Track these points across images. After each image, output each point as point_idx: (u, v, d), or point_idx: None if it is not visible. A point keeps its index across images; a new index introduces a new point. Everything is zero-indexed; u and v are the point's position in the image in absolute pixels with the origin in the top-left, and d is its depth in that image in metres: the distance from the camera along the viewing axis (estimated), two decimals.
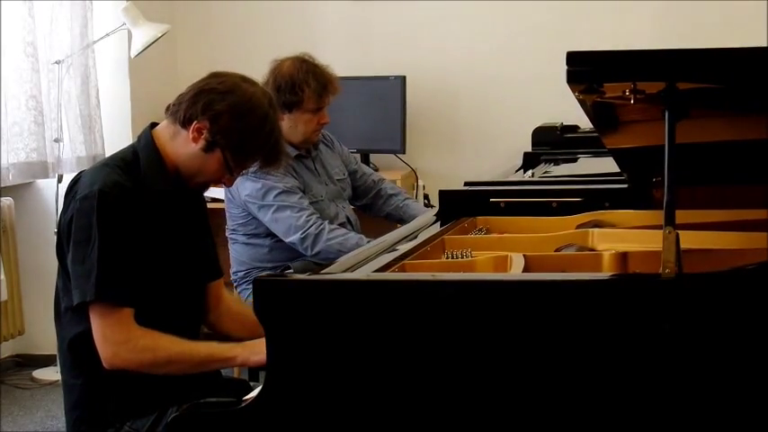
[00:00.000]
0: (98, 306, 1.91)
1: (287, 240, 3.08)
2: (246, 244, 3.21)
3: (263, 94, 2.04)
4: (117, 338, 1.90)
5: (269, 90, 3.03)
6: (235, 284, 3.31)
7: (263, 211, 3.10)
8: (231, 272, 3.30)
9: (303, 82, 3.07)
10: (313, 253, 3.04)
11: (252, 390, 2.00)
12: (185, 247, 2.09)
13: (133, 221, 1.94)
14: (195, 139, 2.00)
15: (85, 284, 1.90)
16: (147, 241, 1.97)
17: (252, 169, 2.11)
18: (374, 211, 3.43)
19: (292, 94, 3.06)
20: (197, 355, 1.95)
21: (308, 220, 3.05)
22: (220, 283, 2.24)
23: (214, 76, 2.04)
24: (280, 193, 3.07)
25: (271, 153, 2.04)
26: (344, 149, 3.45)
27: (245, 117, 1.98)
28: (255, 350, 1.91)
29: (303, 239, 3.05)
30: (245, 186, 3.11)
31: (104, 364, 1.92)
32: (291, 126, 3.11)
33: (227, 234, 3.30)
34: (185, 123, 2.00)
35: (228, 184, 2.09)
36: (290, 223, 3.07)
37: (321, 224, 3.06)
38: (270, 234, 3.15)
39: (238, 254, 3.25)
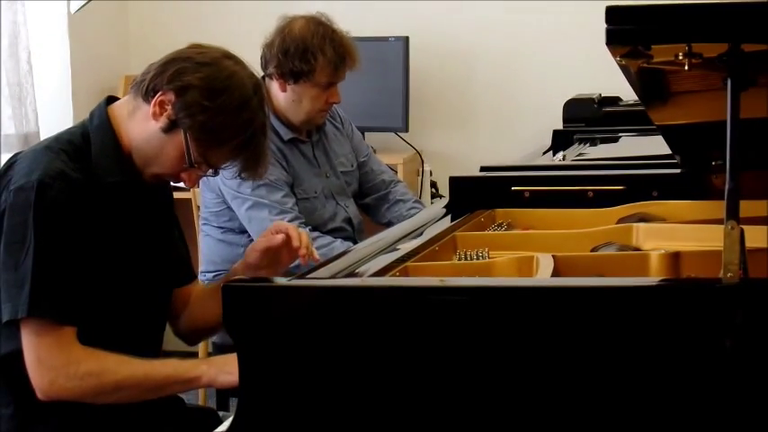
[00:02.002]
0: (32, 322, 1.90)
1: None
2: (219, 240, 3.20)
3: (250, 77, 2.01)
4: (54, 362, 1.90)
5: (274, 53, 3.05)
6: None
7: (237, 202, 3.09)
8: (199, 271, 3.30)
9: (318, 49, 3.04)
10: (291, 266, 3.03)
11: (222, 421, 2.00)
12: (148, 248, 2.09)
13: (80, 221, 1.94)
14: (156, 116, 1.97)
15: (17, 297, 1.89)
16: (98, 244, 1.97)
17: (225, 168, 2.05)
18: (375, 216, 3.41)
19: (303, 62, 3.04)
20: (152, 377, 1.95)
21: None
22: (192, 285, 2.25)
23: (194, 46, 2.02)
24: (259, 187, 3.05)
25: (245, 150, 1.99)
26: (357, 134, 3.44)
27: (219, 95, 1.94)
28: (225, 368, 1.90)
29: None
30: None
31: (38, 394, 1.92)
32: (294, 100, 3.10)
33: (200, 224, 3.30)
34: (148, 95, 1.98)
35: (189, 182, 2.04)
36: (265, 227, 3.03)
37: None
38: (245, 231, 3.14)
39: (209, 251, 3.24)
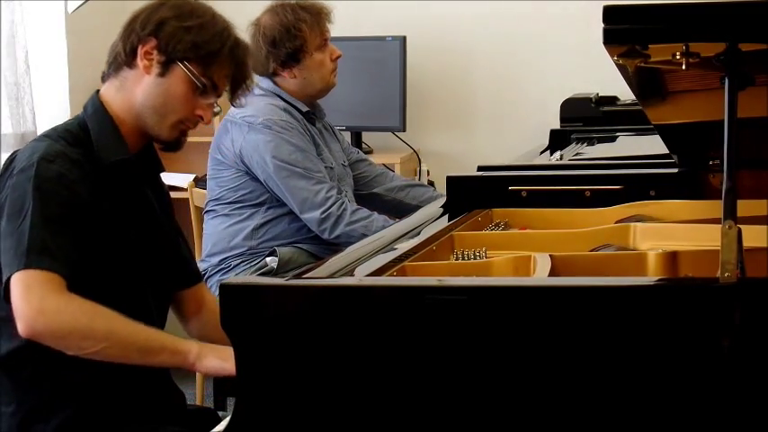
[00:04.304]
0: (23, 274, 1.86)
1: (302, 216, 3.14)
2: (227, 216, 3.22)
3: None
4: (45, 293, 1.85)
5: (265, 52, 3.16)
6: (204, 276, 3.30)
7: (276, 170, 3.12)
8: (202, 257, 3.31)
9: (296, 21, 3.17)
10: (332, 237, 3.10)
11: (220, 420, 2.00)
12: (146, 239, 2.10)
13: (80, 195, 1.95)
14: (147, 68, 2.04)
15: (14, 257, 1.87)
16: (97, 224, 1.97)
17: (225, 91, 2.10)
18: (389, 204, 3.46)
19: (293, 40, 3.16)
20: (144, 336, 1.91)
21: (328, 197, 3.12)
22: (201, 287, 2.26)
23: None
24: (294, 153, 3.11)
25: (236, 54, 2.06)
26: (345, 140, 3.54)
27: (193, 15, 2.04)
28: (215, 353, 1.90)
29: (323, 220, 3.11)
30: (249, 139, 3.15)
31: (21, 328, 1.85)
32: (306, 77, 3.21)
33: (204, 211, 3.32)
34: (129, 59, 2.05)
35: (206, 117, 2.08)
36: (305, 197, 3.12)
37: (343, 202, 3.13)
38: (263, 203, 3.18)
39: (215, 230, 3.26)
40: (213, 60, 2.04)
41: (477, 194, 2.42)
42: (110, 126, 2.05)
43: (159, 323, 2.16)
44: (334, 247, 3.04)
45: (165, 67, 2.03)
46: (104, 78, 2.11)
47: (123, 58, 2.05)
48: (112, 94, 2.08)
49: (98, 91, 2.12)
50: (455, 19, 4.58)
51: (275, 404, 1.59)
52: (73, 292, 1.89)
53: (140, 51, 2.03)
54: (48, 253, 1.88)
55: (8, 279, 1.87)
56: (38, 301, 1.84)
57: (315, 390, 1.58)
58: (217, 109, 2.10)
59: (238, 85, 2.11)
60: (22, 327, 1.85)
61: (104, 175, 2.01)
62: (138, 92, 2.05)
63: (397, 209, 3.37)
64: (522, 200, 2.40)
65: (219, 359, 1.87)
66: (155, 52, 2.03)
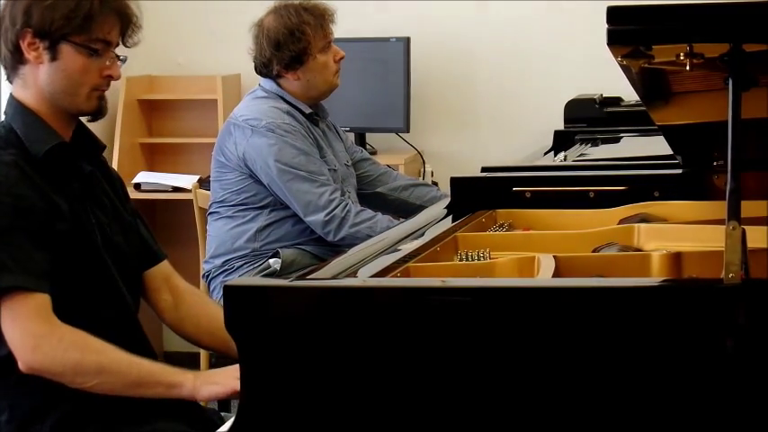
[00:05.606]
0: (8, 299, 1.91)
1: (306, 219, 3.14)
2: (230, 218, 3.23)
3: None
4: (37, 330, 1.90)
5: (268, 54, 3.15)
6: (206, 278, 3.31)
7: (280, 175, 3.13)
8: (205, 258, 3.31)
9: (300, 23, 3.16)
10: (336, 239, 3.10)
11: (224, 421, 2.00)
12: (109, 226, 2.10)
13: (25, 194, 1.96)
14: (38, 59, 2.04)
15: None
16: (55, 221, 1.98)
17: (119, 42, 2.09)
18: (393, 204, 3.46)
19: (296, 42, 3.16)
20: (136, 369, 1.94)
21: (332, 200, 3.12)
22: (169, 271, 2.25)
23: None
24: (297, 156, 3.11)
25: (107, 2, 2.04)
26: (348, 139, 3.54)
27: None
28: (211, 380, 1.91)
29: (327, 222, 3.11)
30: (253, 143, 3.16)
31: (21, 365, 1.91)
32: (309, 79, 3.22)
33: (207, 213, 3.32)
34: (17, 56, 2.04)
35: (115, 73, 2.08)
36: (308, 200, 3.12)
37: (346, 204, 3.12)
38: (267, 206, 3.19)
39: (219, 232, 3.26)
40: (91, 21, 2.03)
41: (481, 195, 2.42)
42: (33, 119, 2.05)
43: (134, 307, 2.16)
44: (338, 248, 3.04)
45: (53, 51, 2.03)
46: (9, 80, 2.11)
47: (12, 57, 2.06)
48: (22, 92, 2.08)
49: (11, 94, 2.12)
50: (459, 20, 4.59)
51: (279, 405, 1.59)
52: (49, 291, 1.92)
53: (23, 46, 2.03)
54: (23, 271, 1.91)
55: None
56: (31, 339, 1.91)
57: (319, 391, 1.58)
58: (123, 57, 2.10)
59: (126, 27, 2.09)
60: (21, 365, 1.92)
61: (44, 169, 2.02)
62: (41, 82, 2.05)
63: (401, 208, 3.37)
64: (525, 201, 2.40)
65: (215, 384, 1.89)
66: (36, 41, 2.03)
